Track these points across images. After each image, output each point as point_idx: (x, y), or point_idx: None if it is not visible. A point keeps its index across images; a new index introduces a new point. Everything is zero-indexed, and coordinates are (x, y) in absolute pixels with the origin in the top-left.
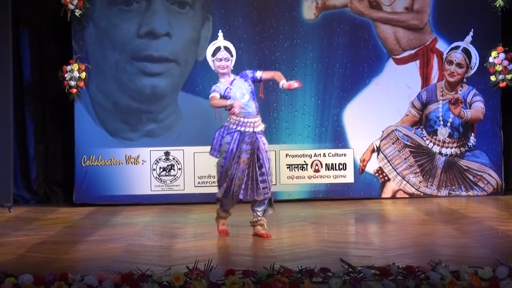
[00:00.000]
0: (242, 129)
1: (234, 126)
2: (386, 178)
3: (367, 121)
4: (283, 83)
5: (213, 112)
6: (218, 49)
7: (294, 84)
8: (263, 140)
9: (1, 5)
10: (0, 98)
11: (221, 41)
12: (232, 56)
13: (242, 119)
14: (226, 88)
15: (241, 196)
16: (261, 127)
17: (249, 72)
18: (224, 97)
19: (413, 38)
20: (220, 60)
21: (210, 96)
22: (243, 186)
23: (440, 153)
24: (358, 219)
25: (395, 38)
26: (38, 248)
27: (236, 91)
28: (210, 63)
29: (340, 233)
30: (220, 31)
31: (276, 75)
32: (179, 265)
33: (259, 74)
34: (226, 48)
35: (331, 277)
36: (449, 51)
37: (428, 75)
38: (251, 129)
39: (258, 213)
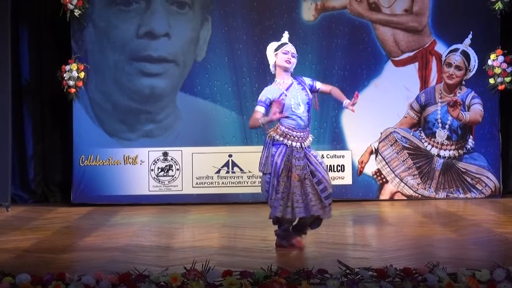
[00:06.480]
0: (289, 143)
1: (281, 138)
2: (384, 180)
3: (365, 123)
4: (347, 102)
5: (211, 113)
6: (284, 43)
7: (355, 100)
8: (312, 153)
9: (0, 5)
10: None
11: (286, 39)
12: (296, 57)
13: (291, 131)
14: (281, 94)
15: (301, 214)
16: (308, 141)
17: (308, 80)
18: (277, 102)
19: (412, 40)
20: (287, 52)
21: (255, 110)
22: (301, 204)
23: (439, 155)
24: (356, 221)
25: (394, 40)
26: (36, 247)
27: (292, 99)
28: (271, 58)
29: (337, 235)
30: (286, 31)
31: (334, 91)
32: (176, 266)
33: (318, 85)
34: (293, 47)
35: (329, 278)
36: (448, 54)
37: (426, 77)
38: (299, 144)
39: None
